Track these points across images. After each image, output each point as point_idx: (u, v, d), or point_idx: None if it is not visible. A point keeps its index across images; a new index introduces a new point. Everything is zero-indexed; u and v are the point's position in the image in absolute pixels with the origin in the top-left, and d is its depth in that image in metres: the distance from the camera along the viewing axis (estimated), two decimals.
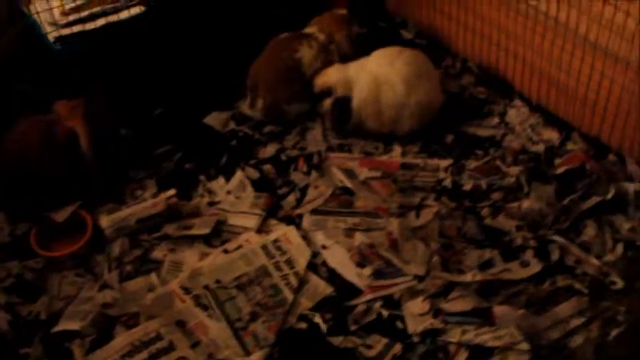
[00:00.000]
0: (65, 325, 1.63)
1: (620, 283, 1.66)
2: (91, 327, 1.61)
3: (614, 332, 1.56)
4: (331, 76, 2.04)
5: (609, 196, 1.80)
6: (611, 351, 1.55)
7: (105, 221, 1.82)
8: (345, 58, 2.14)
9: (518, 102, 2.14)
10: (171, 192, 1.88)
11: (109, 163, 1.94)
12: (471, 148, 2.03)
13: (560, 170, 1.90)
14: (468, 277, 1.68)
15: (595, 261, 1.71)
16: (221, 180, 1.98)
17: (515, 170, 1.92)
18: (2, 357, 1.61)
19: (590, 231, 1.77)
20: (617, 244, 1.74)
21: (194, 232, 1.81)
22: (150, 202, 1.86)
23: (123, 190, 1.95)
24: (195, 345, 1.59)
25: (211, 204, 1.91)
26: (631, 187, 1.82)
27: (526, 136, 2.03)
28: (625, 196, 1.82)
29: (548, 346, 1.55)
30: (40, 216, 1.84)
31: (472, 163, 1.98)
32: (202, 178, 1.99)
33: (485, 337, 1.54)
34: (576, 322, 1.59)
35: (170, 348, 1.58)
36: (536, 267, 1.70)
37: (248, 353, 1.58)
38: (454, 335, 1.56)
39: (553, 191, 1.85)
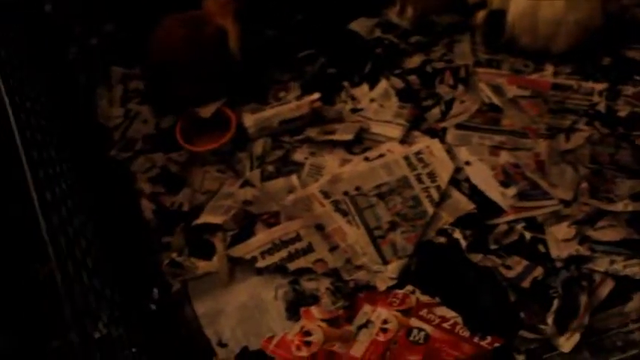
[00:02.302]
0: (207, 218, 1.66)
1: None
2: (233, 222, 1.64)
3: None
4: None
5: None
6: None
7: (248, 120, 1.82)
8: None
9: None
10: (316, 95, 1.84)
11: (255, 63, 1.93)
12: (628, 72, 1.91)
13: None
14: (619, 207, 1.61)
15: None
16: (365, 87, 1.94)
17: None
18: (147, 244, 1.66)
19: None
20: None
21: (337, 137, 1.79)
22: (294, 104, 1.84)
23: (267, 91, 1.93)
24: (333, 249, 1.60)
25: (354, 110, 1.88)
26: None
27: None
28: None
29: None
30: (186, 111, 1.85)
31: (629, 89, 1.86)
32: (346, 84, 1.95)
33: (636, 270, 1.49)
34: None
35: (309, 249, 1.60)
36: None
37: (386, 262, 1.58)
38: (601, 264, 1.52)
39: None
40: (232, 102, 1.88)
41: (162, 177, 1.78)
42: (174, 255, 1.61)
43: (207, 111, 1.84)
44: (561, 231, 1.60)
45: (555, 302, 1.47)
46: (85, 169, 1.75)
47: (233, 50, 1.85)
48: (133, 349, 1.39)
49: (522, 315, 1.49)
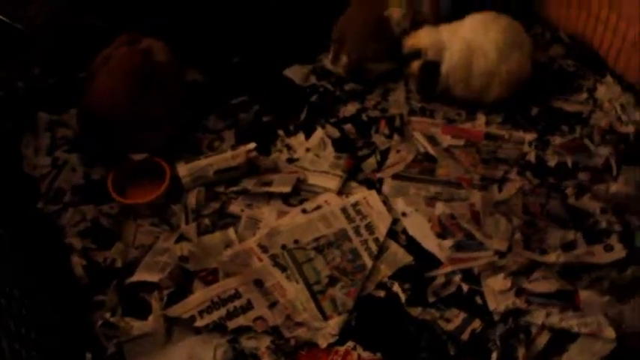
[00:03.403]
0: (142, 275, 1.61)
1: None
2: (169, 280, 1.59)
3: None
4: (422, 38, 1.97)
5: None
6: None
7: (183, 170, 1.79)
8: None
9: (609, 78, 2.07)
10: (252, 145, 1.82)
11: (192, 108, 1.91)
12: (556, 122, 1.97)
13: None
14: (551, 258, 1.64)
15: None
16: (301, 136, 1.93)
17: (603, 150, 1.86)
18: (77, 302, 1.60)
19: None
20: None
21: (274, 189, 1.78)
22: (229, 153, 1.81)
23: (201, 141, 1.92)
24: (273, 305, 1.58)
25: (290, 160, 1.88)
26: None
27: (615, 115, 1.97)
28: None
29: (633, 334, 1.53)
30: (118, 161, 1.81)
31: (557, 139, 1.91)
32: (281, 132, 1.95)
33: (572, 322, 1.51)
34: None
35: (248, 306, 1.57)
36: (620, 252, 1.66)
37: (326, 318, 1.57)
38: (538, 317, 1.54)
39: None
40: (165, 153, 1.84)
41: (93, 231, 1.72)
42: (107, 315, 1.55)
43: (139, 156, 1.80)
44: (497, 282, 1.61)
45: (494, 355, 1.48)
46: (10, 223, 1.67)
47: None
48: None
49: None
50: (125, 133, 1.79)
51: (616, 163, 1.83)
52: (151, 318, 1.55)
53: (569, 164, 1.85)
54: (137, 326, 1.54)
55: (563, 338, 1.52)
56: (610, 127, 1.94)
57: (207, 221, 1.74)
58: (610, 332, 1.49)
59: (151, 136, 1.82)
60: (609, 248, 1.68)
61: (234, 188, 1.81)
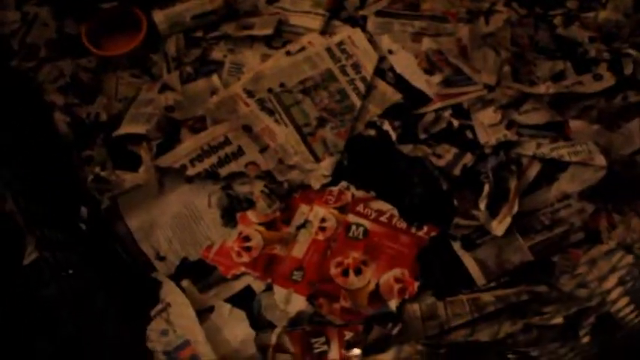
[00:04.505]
0: (129, 128, 1.57)
1: None
2: (156, 130, 1.56)
3: None
4: None
5: None
6: None
7: (159, 16, 1.70)
8: None
9: None
10: None
11: None
12: None
13: None
14: (541, 89, 1.63)
15: None
16: None
17: None
18: (65, 160, 1.57)
19: None
20: None
21: (255, 32, 1.71)
22: None
23: None
24: (263, 150, 1.56)
25: (270, 1, 1.79)
26: None
27: None
28: None
29: (620, 162, 1.55)
30: (91, 12, 1.72)
31: None
32: None
33: (562, 152, 1.52)
34: None
35: (239, 152, 1.55)
36: (609, 81, 1.65)
37: (318, 159, 1.56)
38: (529, 148, 1.54)
39: (632, 1, 1.76)
40: (140, 1, 1.73)
41: (73, 86, 1.66)
42: (97, 170, 1.52)
43: (109, 6, 1.71)
44: (487, 116, 1.61)
45: (486, 188, 1.49)
46: None
47: None
48: (70, 271, 1.34)
49: (455, 202, 1.52)
50: None
51: None
52: (141, 169, 1.53)
53: None
54: (129, 178, 1.52)
55: (553, 168, 1.54)
56: None
57: (189, 69, 1.68)
58: (600, 160, 1.50)
59: None
60: (598, 77, 1.66)
61: (215, 34, 1.74)
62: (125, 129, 1.57)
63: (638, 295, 1.38)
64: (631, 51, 1.69)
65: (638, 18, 1.73)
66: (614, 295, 1.39)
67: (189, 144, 1.55)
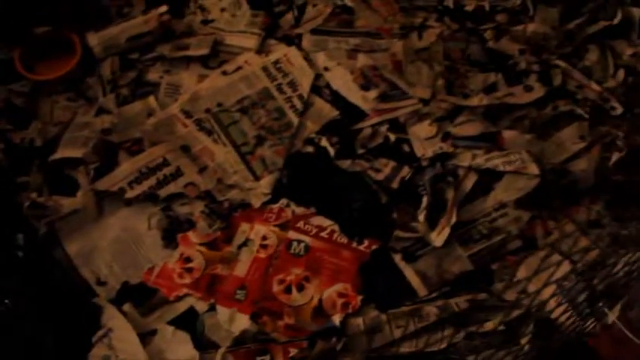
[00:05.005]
0: (65, 152, 1.56)
1: (619, 109, 1.68)
2: (93, 154, 1.54)
3: (615, 157, 1.61)
4: None
5: (616, 20, 1.78)
6: (611, 175, 1.60)
7: (93, 39, 1.70)
8: None
9: None
10: (163, 8, 1.73)
11: None
12: None
13: None
14: (474, 101, 1.67)
15: (596, 86, 1.72)
16: None
17: None
18: (0, 186, 1.55)
19: (592, 56, 1.77)
20: (618, 69, 1.75)
21: (191, 52, 1.71)
22: (140, 18, 1.72)
23: (109, 8, 1.80)
24: (202, 170, 1.56)
25: (205, 22, 1.80)
26: (637, 12, 1.80)
27: None
28: (629, 21, 1.80)
29: (553, 170, 1.59)
30: (24, 36, 1.69)
31: None
32: None
33: (497, 162, 1.55)
34: (578, 146, 1.62)
35: (178, 173, 1.55)
36: (539, 91, 1.70)
37: (257, 178, 1.57)
38: (465, 159, 1.57)
39: (558, 14, 1.82)
40: (73, 24, 1.72)
41: (7, 111, 1.64)
42: (34, 195, 1.50)
43: (44, 30, 1.69)
44: (423, 129, 1.64)
45: (424, 200, 1.52)
46: None
47: None
48: (6, 301, 1.32)
49: (395, 215, 1.54)
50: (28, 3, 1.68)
51: (532, 2, 1.85)
52: (79, 194, 1.52)
53: (487, 7, 1.85)
54: (66, 204, 1.50)
55: (489, 178, 1.57)
56: None
57: (125, 91, 1.67)
58: (533, 168, 1.54)
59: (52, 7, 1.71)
60: (529, 88, 1.71)
61: (150, 55, 1.73)
62: (61, 153, 1.56)
63: (575, 300, 1.41)
64: (559, 62, 1.75)
65: (565, 30, 1.79)
66: (552, 301, 1.42)
67: (127, 166, 1.54)
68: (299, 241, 1.51)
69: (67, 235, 1.48)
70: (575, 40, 1.78)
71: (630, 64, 1.76)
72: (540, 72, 1.73)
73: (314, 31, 1.80)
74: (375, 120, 1.66)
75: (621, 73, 1.74)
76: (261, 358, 1.39)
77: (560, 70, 1.73)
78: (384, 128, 1.65)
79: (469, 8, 1.85)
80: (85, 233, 1.49)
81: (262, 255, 1.49)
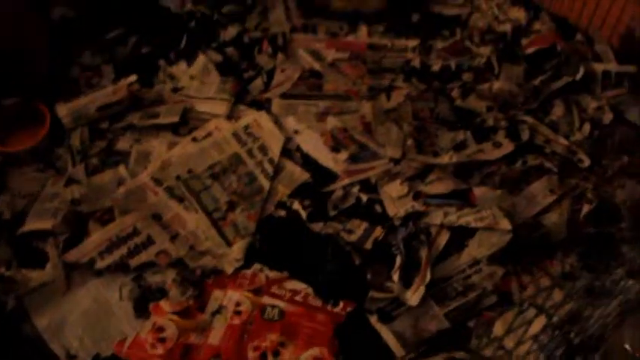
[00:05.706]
0: (34, 224, 1.55)
1: (587, 162, 1.71)
2: (63, 225, 1.53)
3: (585, 209, 1.62)
4: None
5: (579, 76, 1.82)
6: (582, 227, 1.61)
7: (62, 110, 1.71)
8: None
9: None
10: (132, 78, 1.76)
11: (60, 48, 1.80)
12: (437, 27, 1.99)
13: (530, 50, 1.90)
14: (444, 159, 1.68)
15: (563, 140, 1.74)
16: (183, 64, 1.88)
17: (484, 50, 1.91)
18: None
19: (558, 111, 1.80)
20: (584, 123, 1.78)
21: (161, 120, 1.73)
22: (110, 88, 1.75)
23: (78, 79, 1.83)
24: (174, 238, 1.55)
25: (175, 90, 1.82)
26: (599, 67, 1.84)
27: (492, 15, 2.01)
28: (592, 76, 1.84)
29: (525, 224, 1.59)
30: None
31: (439, 43, 1.95)
32: (162, 62, 1.89)
33: (469, 219, 1.56)
34: (548, 200, 1.63)
35: (149, 242, 1.53)
36: (508, 147, 1.72)
37: (229, 244, 1.56)
38: (437, 217, 1.57)
39: (523, 72, 1.85)
40: (42, 95, 1.74)
41: None
42: (2, 269, 1.48)
43: (11, 100, 1.71)
44: (395, 189, 1.64)
45: (398, 259, 1.51)
46: None
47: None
48: None
49: (369, 276, 1.52)
50: None
51: (497, 61, 1.88)
52: (48, 266, 1.50)
53: (453, 67, 1.89)
54: (35, 277, 1.48)
55: (462, 235, 1.57)
56: (488, 28, 1.98)
57: (95, 161, 1.68)
58: (505, 224, 1.54)
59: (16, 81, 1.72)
60: (498, 144, 1.73)
61: (120, 124, 1.74)
62: (30, 225, 1.54)
63: (553, 354, 1.40)
64: (526, 117, 1.77)
65: (530, 86, 1.82)
66: (530, 356, 1.41)
67: (97, 236, 1.52)
68: (273, 306, 1.49)
69: (36, 308, 1.45)
70: (541, 95, 1.81)
71: (595, 117, 1.79)
72: (508, 128, 1.76)
73: (283, 96, 1.82)
74: (346, 181, 1.66)
75: (587, 127, 1.77)
76: None
77: (528, 126, 1.76)
78: (355, 189, 1.65)
79: (435, 68, 1.89)
80: (54, 306, 1.46)
81: (236, 321, 1.47)
